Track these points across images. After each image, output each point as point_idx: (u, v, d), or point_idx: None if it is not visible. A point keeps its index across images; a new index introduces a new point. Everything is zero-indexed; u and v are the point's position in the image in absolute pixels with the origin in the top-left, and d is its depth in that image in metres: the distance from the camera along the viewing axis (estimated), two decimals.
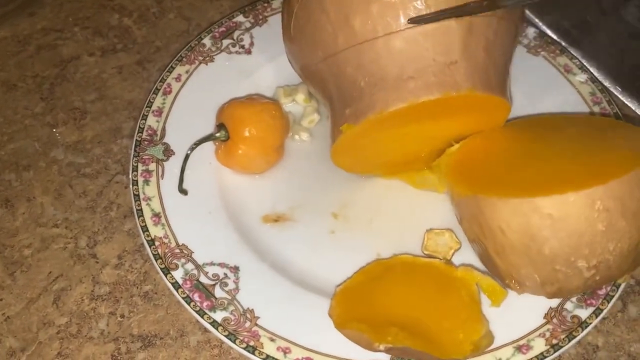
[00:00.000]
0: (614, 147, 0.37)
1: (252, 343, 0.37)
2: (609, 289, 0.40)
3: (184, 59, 0.50)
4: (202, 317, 0.38)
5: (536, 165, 0.36)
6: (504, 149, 0.40)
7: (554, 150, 0.38)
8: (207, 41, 0.51)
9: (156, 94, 0.48)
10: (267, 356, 0.37)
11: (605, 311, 0.39)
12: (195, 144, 0.44)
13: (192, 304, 0.39)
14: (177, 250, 0.41)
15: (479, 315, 0.38)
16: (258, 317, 0.39)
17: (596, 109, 0.48)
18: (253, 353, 0.37)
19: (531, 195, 0.33)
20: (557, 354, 0.38)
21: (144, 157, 0.45)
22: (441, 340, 0.36)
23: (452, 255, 0.42)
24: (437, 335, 0.36)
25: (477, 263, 0.41)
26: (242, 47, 0.52)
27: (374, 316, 0.37)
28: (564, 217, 0.33)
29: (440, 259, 0.41)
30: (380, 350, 0.35)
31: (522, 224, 0.34)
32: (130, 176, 0.44)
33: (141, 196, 0.43)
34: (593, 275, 0.34)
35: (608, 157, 0.35)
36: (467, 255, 0.42)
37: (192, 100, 0.48)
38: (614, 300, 0.39)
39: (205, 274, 0.40)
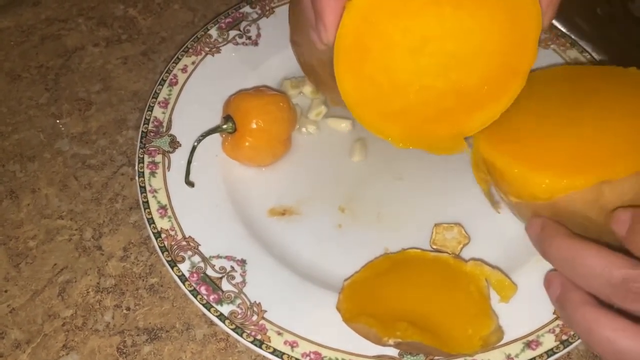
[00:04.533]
0: None
1: (259, 337, 0.37)
2: None
3: (190, 50, 0.49)
4: (208, 310, 0.38)
5: (612, 132, 0.35)
6: (545, 125, 0.37)
7: (610, 113, 0.36)
8: (213, 32, 0.51)
9: (162, 85, 0.47)
10: (274, 350, 0.37)
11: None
12: (202, 135, 0.44)
13: (198, 297, 0.38)
14: (184, 243, 0.40)
15: (489, 311, 0.38)
16: (265, 311, 0.38)
17: None
18: (260, 347, 0.37)
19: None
20: (566, 350, 0.37)
21: (150, 148, 0.44)
22: (450, 336, 0.36)
23: (461, 249, 0.42)
24: (446, 331, 0.36)
25: (487, 258, 0.41)
26: (249, 38, 0.51)
27: (383, 311, 0.37)
28: None
29: (449, 254, 0.41)
30: (389, 345, 0.35)
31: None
32: (136, 168, 0.43)
33: (147, 188, 0.42)
34: None
35: None
36: (476, 250, 0.42)
37: (199, 92, 0.48)
38: None
39: (212, 266, 0.40)
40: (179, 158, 0.44)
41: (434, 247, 0.42)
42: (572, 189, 0.33)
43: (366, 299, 0.38)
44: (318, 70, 0.43)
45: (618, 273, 0.29)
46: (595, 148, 0.34)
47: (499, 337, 0.37)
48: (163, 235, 0.41)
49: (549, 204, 0.34)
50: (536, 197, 0.35)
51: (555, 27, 0.53)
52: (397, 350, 0.37)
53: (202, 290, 0.39)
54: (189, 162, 0.43)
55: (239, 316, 0.38)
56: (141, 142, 0.44)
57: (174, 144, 0.45)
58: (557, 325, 0.38)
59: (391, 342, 0.34)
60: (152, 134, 0.45)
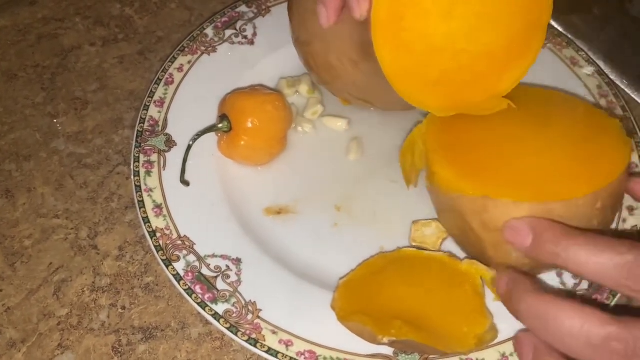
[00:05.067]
0: (600, 139, 0.37)
1: (254, 336, 0.37)
2: None
3: (186, 49, 0.49)
4: (203, 309, 0.38)
5: (533, 159, 0.36)
6: (487, 134, 0.38)
7: (544, 142, 0.37)
8: (209, 31, 0.51)
9: (158, 84, 0.47)
10: (269, 349, 0.37)
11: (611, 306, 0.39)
12: (197, 135, 0.44)
13: (193, 296, 0.38)
14: (179, 242, 0.40)
15: (483, 309, 0.38)
16: (260, 310, 0.38)
17: (603, 102, 0.48)
18: (255, 346, 0.37)
19: (545, 199, 0.33)
20: None
21: (146, 147, 0.44)
22: (445, 334, 0.36)
23: (441, 244, 0.42)
24: (441, 329, 0.36)
25: None
26: (245, 37, 0.51)
27: (377, 309, 0.37)
28: (571, 218, 0.33)
29: (431, 250, 0.41)
30: (383, 343, 0.35)
31: None
32: (132, 167, 0.43)
33: (143, 187, 0.42)
34: None
35: (602, 153, 0.36)
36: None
37: (194, 91, 0.48)
38: (619, 295, 0.39)
39: (207, 266, 0.40)
40: (174, 157, 0.44)
41: (414, 244, 0.42)
42: (462, 191, 0.35)
43: (361, 297, 0.38)
44: (334, 62, 0.43)
45: (598, 331, 0.26)
46: (506, 167, 0.35)
47: (493, 335, 0.37)
48: (158, 235, 0.41)
49: (447, 198, 0.36)
50: (439, 186, 0.36)
51: (552, 27, 0.53)
52: (392, 349, 0.37)
53: (197, 289, 0.39)
54: (185, 161, 0.43)
55: (234, 315, 0.38)
56: (137, 141, 0.44)
57: (170, 143, 0.45)
58: None
59: (386, 340, 0.34)
60: (147, 133, 0.45)
